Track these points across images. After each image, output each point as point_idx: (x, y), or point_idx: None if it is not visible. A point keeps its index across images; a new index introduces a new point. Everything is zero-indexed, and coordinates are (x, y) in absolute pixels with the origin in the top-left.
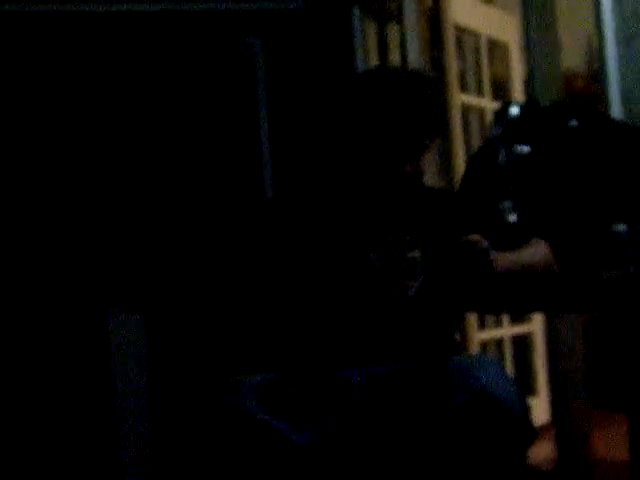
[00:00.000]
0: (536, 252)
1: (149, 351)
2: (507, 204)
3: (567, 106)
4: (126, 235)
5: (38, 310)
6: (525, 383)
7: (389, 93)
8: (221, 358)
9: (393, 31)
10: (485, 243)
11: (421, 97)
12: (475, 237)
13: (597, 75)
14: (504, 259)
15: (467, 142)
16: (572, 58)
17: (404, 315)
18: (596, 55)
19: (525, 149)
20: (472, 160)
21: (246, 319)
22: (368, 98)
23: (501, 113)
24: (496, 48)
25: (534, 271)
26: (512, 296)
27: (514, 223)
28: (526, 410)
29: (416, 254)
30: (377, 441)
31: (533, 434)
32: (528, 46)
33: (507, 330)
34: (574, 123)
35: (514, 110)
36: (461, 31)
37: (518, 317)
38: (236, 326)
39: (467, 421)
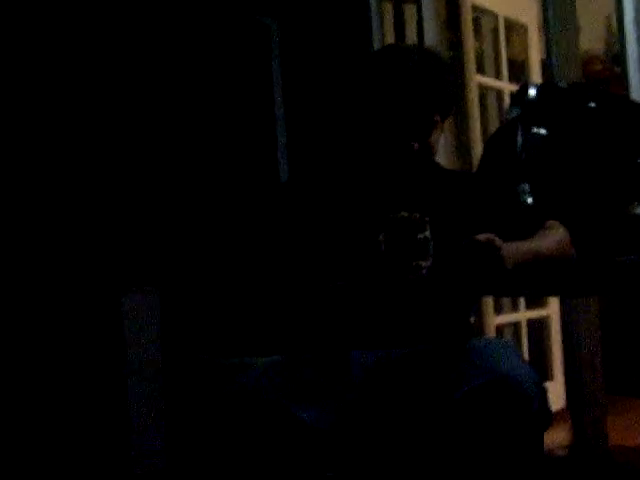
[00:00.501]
0: (551, 237)
1: (163, 330)
2: (524, 186)
3: (585, 88)
4: (141, 216)
5: (53, 290)
6: (541, 368)
7: (396, 68)
8: (232, 338)
9: (410, 11)
10: (496, 241)
11: (428, 73)
12: (484, 236)
13: (616, 58)
14: (516, 252)
15: (484, 124)
16: (591, 40)
17: (417, 296)
18: (615, 38)
19: (543, 131)
20: (489, 142)
21: (258, 299)
22: (376, 74)
23: (519, 95)
24: (514, 29)
25: (548, 258)
26: (527, 282)
27: (531, 205)
28: (543, 394)
29: (427, 234)
30: (389, 423)
31: (549, 418)
32: (546, 27)
33: (523, 314)
34: (592, 104)
35: (532, 92)
36: (479, 11)
37: (534, 300)
38: (248, 306)
39: (483, 404)
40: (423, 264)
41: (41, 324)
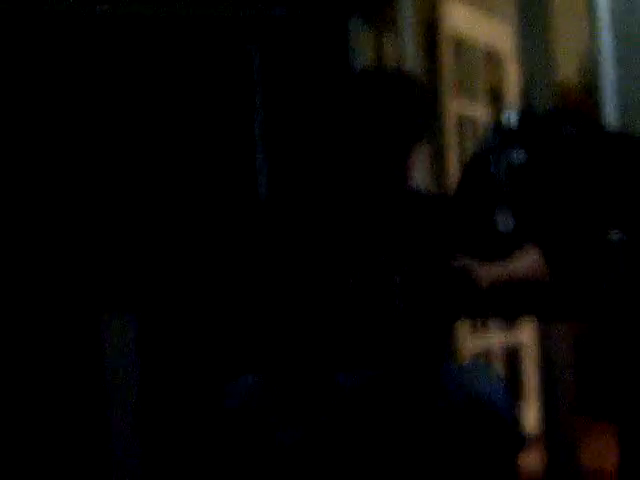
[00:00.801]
0: (526, 262)
1: (141, 352)
2: (502, 211)
3: (563, 114)
4: (118, 236)
5: (30, 311)
6: (515, 392)
7: (373, 95)
8: (211, 360)
9: (390, 40)
10: (467, 263)
11: (405, 99)
12: (459, 262)
13: (591, 89)
14: (489, 273)
15: (461, 151)
16: (567, 71)
17: (393, 323)
18: (591, 70)
19: (521, 156)
20: (467, 167)
21: (236, 321)
22: (353, 99)
23: (497, 121)
24: (492, 58)
25: (522, 281)
26: (501, 305)
27: (509, 231)
28: (517, 416)
29: (397, 281)
30: (366, 443)
31: (523, 441)
32: (523, 57)
33: (498, 338)
34: (570, 131)
35: (510, 118)
36: (457, 41)
37: (509, 324)
38: (227, 328)
39: (458, 426)
40: (400, 305)
41: (20, 344)
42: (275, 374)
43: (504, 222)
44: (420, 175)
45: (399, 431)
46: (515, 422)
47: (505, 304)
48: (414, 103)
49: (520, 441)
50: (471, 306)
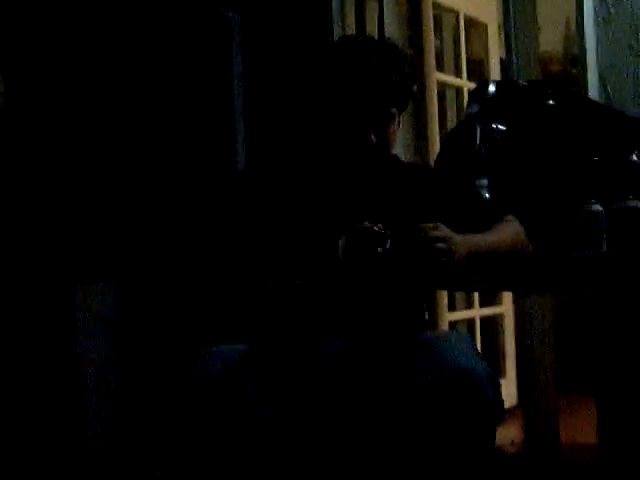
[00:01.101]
0: (506, 232)
1: (117, 320)
2: (482, 182)
3: (544, 85)
4: (96, 204)
5: (3, 278)
6: (494, 365)
7: (353, 59)
8: (191, 329)
9: (371, 6)
10: (446, 231)
11: (386, 64)
12: (433, 225)
13: (574, 59)
14: (468, 243)
15: (442, 121)
16: (550, 41)
17: (372, 290)
18: (574, 39)
19: (501, 127)
20: (448, 137)
21: (215, 290)
22: (333, 65)
23: (478, 91)
24: (474, 27)
25: (501, 252)
26: (481, 275)
27: (489, 200)
28: (497, 387)
29: (387, 247)
30: (344, 414)
31: (503, 412)
32: (506, 27)
33: (477, 311)
34: (551, 102)
35: (491, 88)
36: (439, 9)
37: (488, 298)
38: (205, 296)
39: (437, 396)
40: (380, 276)
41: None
42: (255, 343)
43: (484, 192)
44: (402, 144)
45: (376, 400)
46: (494, 393)
47: (483, 275)
48: (396, 69)
49: (499, 413)
50: (449, 276)
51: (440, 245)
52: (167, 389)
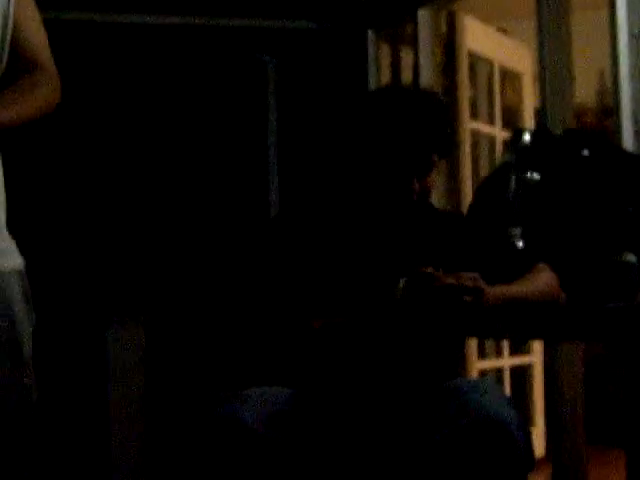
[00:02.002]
0: (538, 281)
1: (147, 360)
2: (516, 230)
3: (579, 135)
4: (129, 244)
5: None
6: (522, 415)
7: (397, 109)
8: (220, 371)
9: (407, 55)
10: (478, 280)
11: (428, 113)
12: (468, 275)
13: (608, 111)
14: (499, 293)
15: (475, 169)
16: (585, 93)
17: (403, 340)
18: (608, 90)
19: (536, 176)
20: (483, 185)
21: (247, 333)
22: (376, 113)
23: (514, 140)
24: (509, 77)
25: (531, 301)
26: (511, 323)
27: (522, 249)
28: (528, 436)
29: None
30: (372, 461)
31: (533, 461)
32: (541, 77)
33: (506, 360)
34: (586, 152)
35: (526, 137)
36: (475, 58)
37: (518, 347)
38: (236, 340)
39: (468, 443)
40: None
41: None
42: (298, 387)
43: (517, 240)
44: (434, 191)
45: (408, 447)
46: (525, 442)
47: (515, 324)
48: (437, 116)
49: (529, 462)
50: (479, 324)
51: (469, 288)
52: (193, 426)
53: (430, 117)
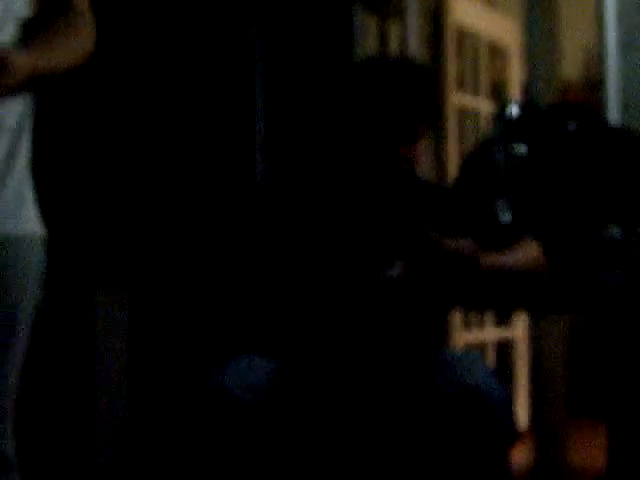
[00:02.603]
0: (524, 253)
1: (132, 332)
2: (502, 203)
3: (566, 109)
4: (113, 216)
5: None
6: (506, 388)
7: (382, 78)
8: (207, 339)
9: (394, 28)
10: (471, 247)
11: (414, 83)
12: (461, 243)
13: (594, 85)
14: (489, 259)
15: (461, 142)
16: (571, 67)
17: (388, 301)
18: (595, 65)
19: (522, 149)
20: (468, 157)
21: (232, 304)
22: (363, 82)
23: (500, 113)
24: (496, 51)
25: (520, 272)
26: (497, 294)
27: (508, 222)
28: (511, 408)
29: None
30: (360, 428)
31: (516, 432)
32: (528, 51)
33: (491, 333)
34: (573, 126)
35: (513, 110)
36: (462, 32)
37: (503, 316)
38: (222, 311)
39: (453, 415)
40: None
41: None
42: (283, 356)
43: (503, 213)
44: (422, 165)
45: (392, 417)
46: (509, 414)
47: (500, 295)
48: (425, 87)
49: (512, 434)
50: (467, 295)
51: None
52: (183, 399)
53: (416, 87)
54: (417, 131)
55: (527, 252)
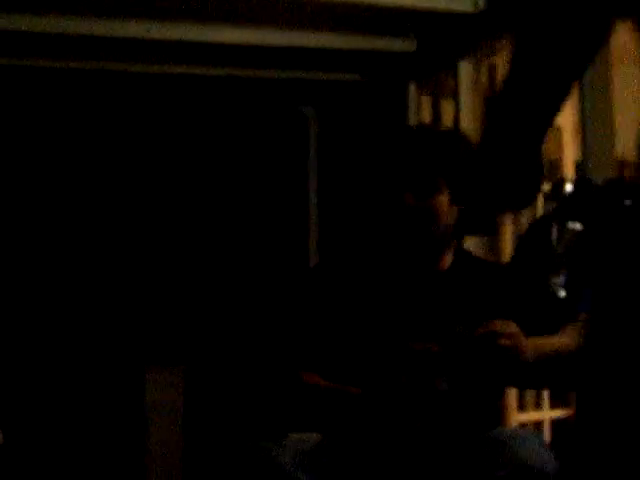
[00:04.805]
0: (574, 335)
1: (186, 407)
2: (558, 280)
3: (621, 185)
4: (167, 293)
5: (79, 363)
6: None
7: (410, 134)
8: (258, 418)
9: (448, 106)
10: (510, 327)
11: (436, 140)
12: (501, 324)
13: None
14: (534, 347)
15: (516, 221)
16: (625, 145)
17: (438, 402)
18: None
19: (578, 226)
20: (525, 234)
21: (282, 381)
22: (393, 146)
23: (555, 190)
24: (549, 130)
25: (566, 355)
26: (549, 376)
27: (564, 299)
28: None
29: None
30: None
31: None
32: (583, 130)
33: (546, 413)
34: (628, 202)
35: (568, 187)
36: None
37: (559, 398)
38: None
39: None
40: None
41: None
42: (328, 433)
43: (559, 290)
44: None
45: None
46: None
47: (554, 375)
48: (446, 145)
49: None
50: (518, 376)
51: (507, 342)
52: (234, 468)
53: (438, 143)
54: (432, 183)
55: (580, 332)
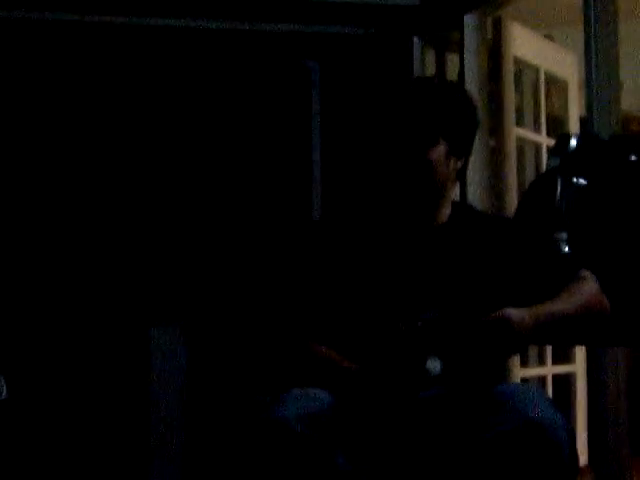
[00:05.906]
0: (575, 297)
1: (188, 363)
2: (562, 235)
3: (627, 140)
4: (170, 249)
5: (83, 319)
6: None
7: (409, 88)
8: (260, 373)
9: (452, 60)
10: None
11: (438, 93)
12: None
13: None
14: (533, 319)
15: (520, 176)
16: (631, 99)
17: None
18: None
19: (582, 181)
20: (528, 190)
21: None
22: (394, 99)
23: (559, 145)
24: (555, 84)
25: (570, 319)
26: (551, 337)
27: (567, 254)
28: (573, 440)
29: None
30: (418, 467)
31: (577, 464)
32: (588, 84)
33: (549, 369)
34: (633, 157)
35: (573, 142)
36: (520, 65)
37: (560, 356)
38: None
39: (514, 448)
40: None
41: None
42: (337, 392)
43: (562, 245)
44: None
45: (453, 452)
46: (571, 446)
47: (555, 337)
48: (448, 100)
49: (575, 466)
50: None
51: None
52: (239, 432)
53: (436, 95)
54: (429, 137)
55: (581, 293)
